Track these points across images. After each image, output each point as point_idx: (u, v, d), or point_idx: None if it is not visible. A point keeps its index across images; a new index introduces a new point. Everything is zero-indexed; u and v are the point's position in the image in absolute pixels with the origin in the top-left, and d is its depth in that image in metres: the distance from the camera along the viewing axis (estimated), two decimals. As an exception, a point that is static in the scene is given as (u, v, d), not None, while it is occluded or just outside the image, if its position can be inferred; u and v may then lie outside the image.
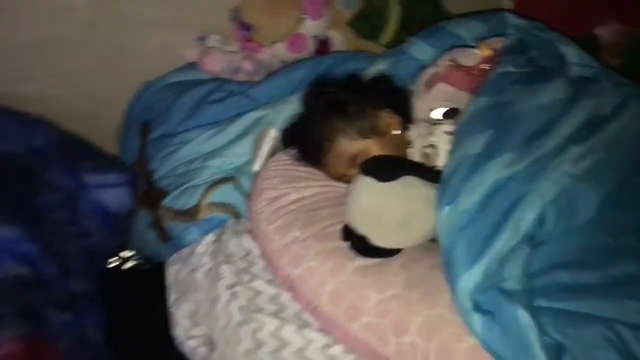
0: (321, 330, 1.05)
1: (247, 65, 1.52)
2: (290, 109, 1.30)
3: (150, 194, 1.36)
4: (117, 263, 1.55)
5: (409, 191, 1.03)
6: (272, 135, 1.29)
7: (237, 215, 1.25)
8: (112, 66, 1.54)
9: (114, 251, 1.53)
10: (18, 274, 1.14)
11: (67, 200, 1.38)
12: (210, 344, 1.15)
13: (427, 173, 1.05)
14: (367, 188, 1.04)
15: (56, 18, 1.42)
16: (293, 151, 1.26)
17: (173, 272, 1.27)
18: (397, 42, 1.56)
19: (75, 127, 1.53)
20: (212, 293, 1.15)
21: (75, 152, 1.48)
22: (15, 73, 1.48)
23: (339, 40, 1.57)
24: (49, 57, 1.48)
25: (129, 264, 1.57)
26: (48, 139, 1.44)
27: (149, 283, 1.48)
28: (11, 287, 1.11)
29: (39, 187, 1.34)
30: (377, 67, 1.34)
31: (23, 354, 1.02)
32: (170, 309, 1.25)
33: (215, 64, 1.51)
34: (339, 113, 1.17)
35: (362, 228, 1.03)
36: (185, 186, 1.29)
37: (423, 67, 1.29)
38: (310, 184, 1.20)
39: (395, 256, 1.04)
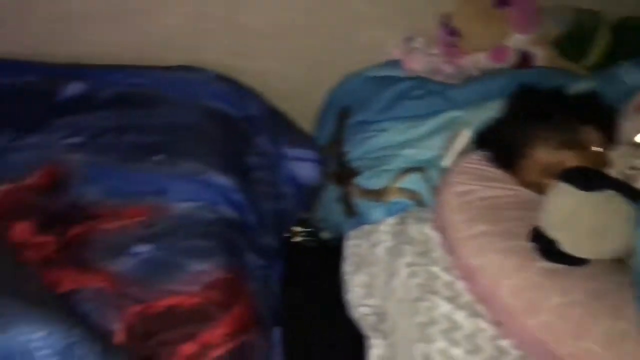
0: (491, 322, 1.09)
1: (447, 69, 1.59)
2: (486, 113, 1.35)
3: (341, 172, 1.48)
4: (287, 235, 1.71)
5: (607, 204, 1.04)
6: (466, 135, 1.36)
7: (421, 203, 1.32)
8: (324, 54, 1.69)
9: (296, 220, 1.69)
10: (228, 217, 1.32)
11: (268, 165, 1.56)
12: (381, 314, 1.24)
13: (629, 191, 1.05)
14: (566, 194, 1.05)
15: (287, 5, 1.59)
16: (484, 153, 1.30)
17: (352, 245, 1.38)
18: (599, 67, 1.55)
19: (281, 103, 1.71)
20: (391, 268, 1.23)
21: (280, 125, 1.66)
22: (241, 50, 1.68)
23: (542, 56, 1.58)
24: (273, 39, 1.66)
25: (297, 239, 1.72)
26: (260, 109, 1.64)
27: (314, 257, 1.64)
28: (222, 226, 1.29)
29: (248, 148, 1.53)
30: (583, 85, 1.34)
31: (227, 282, 1.18)
32: (345, 277, 1.35)
33: (417, 64, 1.61)
34: (543, 122, 1.20)
35: (554, 232, 1.04)
36: (377, 169, 1.40)
37: (632, 91, 1.28)
38: (500, 185, 1.23)
39: (581, 266, 1.05)
